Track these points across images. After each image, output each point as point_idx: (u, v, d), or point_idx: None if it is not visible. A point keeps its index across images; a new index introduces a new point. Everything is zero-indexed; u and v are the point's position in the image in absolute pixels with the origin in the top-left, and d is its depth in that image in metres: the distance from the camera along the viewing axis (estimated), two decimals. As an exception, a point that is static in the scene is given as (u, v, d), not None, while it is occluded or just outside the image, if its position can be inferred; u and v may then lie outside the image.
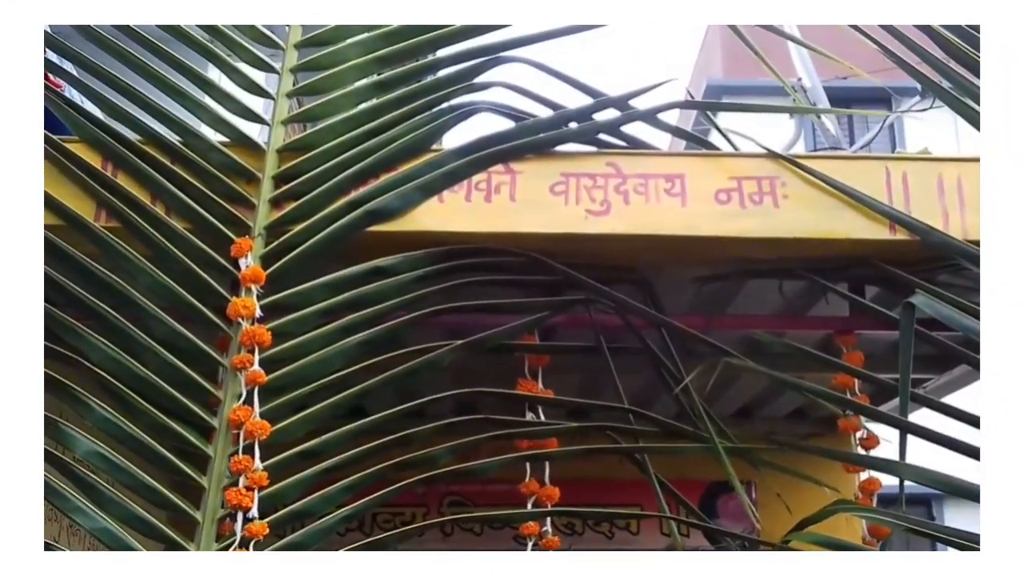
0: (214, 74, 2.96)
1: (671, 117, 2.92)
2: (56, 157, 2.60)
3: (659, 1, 2.83)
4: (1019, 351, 2.04)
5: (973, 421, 2.43)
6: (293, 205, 2.67)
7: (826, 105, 6.11)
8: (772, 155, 2.77)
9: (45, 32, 2.76)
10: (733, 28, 2.99)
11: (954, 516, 12.18)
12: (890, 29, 2.77)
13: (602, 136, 2.84)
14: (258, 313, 2.49)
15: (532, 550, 2.57)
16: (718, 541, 3.00)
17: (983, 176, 2.36)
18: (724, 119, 3.03)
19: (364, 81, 2.87)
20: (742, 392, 4.08)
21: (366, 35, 2.87)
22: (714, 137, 3.24)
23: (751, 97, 13.78)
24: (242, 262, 2.55)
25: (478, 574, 2.28)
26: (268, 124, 2.80)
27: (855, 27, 2.82)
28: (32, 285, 2.06)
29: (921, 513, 11.43)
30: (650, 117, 2.85)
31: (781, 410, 4.32)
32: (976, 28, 2.60)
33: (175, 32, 2.79)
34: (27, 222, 2.09)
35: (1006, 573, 1.88)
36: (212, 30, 2.84)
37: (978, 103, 2.61)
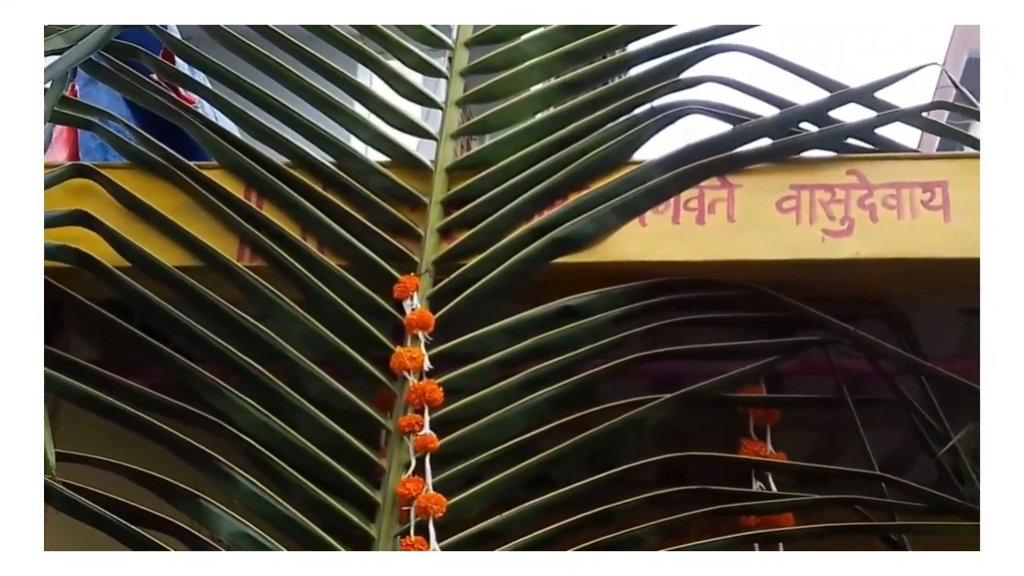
0: (367, 79, 2.97)
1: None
2: (191, 187, 2.64)
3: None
4: (1019, 348, 2.08)
5: None
6: (466, 235, 2.64)
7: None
8: None
9: (172, 39, 2.87)
10: None
11: None
12: None
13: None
14: (427, 365, 2.45)
15: None
16: None
17: (983, 177, 2.30)
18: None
19: (547, 83, 2.86)
20: None
21: (549, 27, 2.85)
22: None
23: None
24: (407, 304, 2.53)
25: (478, 574, 2.27)
26: (435, 139, 2.79)
27: None
28: (32, 285, 2.11)
29: None
30: (916, 117, 2.74)
31: None
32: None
33: (322, 32, 2.83)
34: (26, 229, 2.13)
35: (1006, 573, 1.98)
36: (365, 28, 2.88)
37: None
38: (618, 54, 2.85)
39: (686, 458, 2.57)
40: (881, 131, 2.75)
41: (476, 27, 2.96)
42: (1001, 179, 2.28)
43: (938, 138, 3.01)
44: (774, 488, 2.56)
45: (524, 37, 2.85)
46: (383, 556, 2.32)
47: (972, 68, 15.60)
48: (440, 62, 2.90)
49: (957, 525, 2.50)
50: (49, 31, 2.71)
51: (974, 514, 2.43)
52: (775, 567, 2.34)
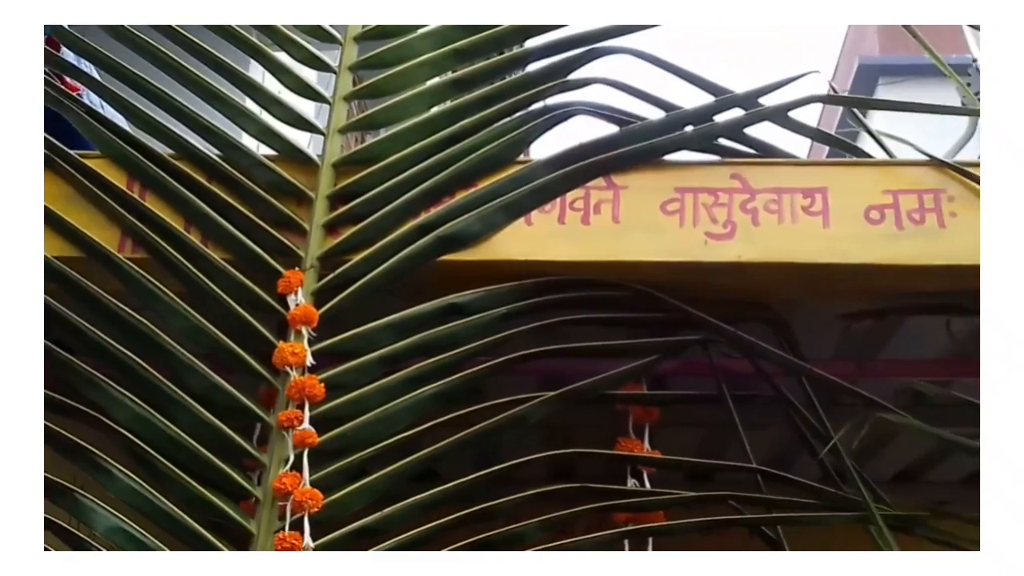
0: (257, 74, 2.98)
1: (810, 118, 2.86)
2: (73, 176, 2.63)
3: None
4: (1019, 349, 2.13)
5: None
6: (352, 230, 2.66)
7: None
8: (937, 163, 2.70)
9: (59, 28, 2.85)
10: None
11: None
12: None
13: (726, 143, 2.81)
14: (310, 361, 2.47)
15: None
16: None
17: (983, 177, 2.40)
18: (880, 117, 2.95)
19: (437, 80, 2.87)
20: (904, 453, 3.96)
21: (439, 25, 2.87)
22: (866, 142, 3.20)
23: (914, 79, 13.40)
24: (291, 300, 2.55)
25: (477, 574, 2.30)
26: (323, 133, 2.80)
27: None
28: (32, 285, 2.19)
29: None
30: (783, 117, 2.80)
31: (955, 473, 4.17)
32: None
33: (211, 26, 2.82)
34: (27, 235, 2.19)
35: (1006, 573, 2.01)
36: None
37: None
38: (507, 53, 2.89)
39: (569, 455, 2.62)
40: (769, 138, 2.82)
41: (365, 24, 2.97)
42: (1001, 179, 2.33)
43: (826, 147, 3.10)
44: (648, 485, 2.62)
45: (414, 34, 2.87)
46: (245, 556, 2.33)
47: (862, 73, 16.03)
48: (330, 57, 2.91)
49: (834, 516, 2.61)
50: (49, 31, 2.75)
51: (852, 506, 2.55)
52: (776, 567, 2.38)
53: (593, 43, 2.82)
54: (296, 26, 2.89)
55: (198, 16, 2.80)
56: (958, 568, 2.22)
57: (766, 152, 2.80)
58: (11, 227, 2.16)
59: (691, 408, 2.90)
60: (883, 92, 15.26)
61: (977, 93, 5.68)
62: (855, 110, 3.23)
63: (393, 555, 2.36)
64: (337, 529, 2.38)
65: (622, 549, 2.58)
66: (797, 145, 2.86)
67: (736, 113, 2.81)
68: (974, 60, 5.82)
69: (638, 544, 2.59)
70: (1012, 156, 2.33)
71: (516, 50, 2.89)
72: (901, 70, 14.44)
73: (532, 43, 2.88)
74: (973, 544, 2.57)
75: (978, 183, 2.62)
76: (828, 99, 2.98)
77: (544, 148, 2.82)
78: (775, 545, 2.62)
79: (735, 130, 2.80)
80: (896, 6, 2.85)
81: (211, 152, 2.72)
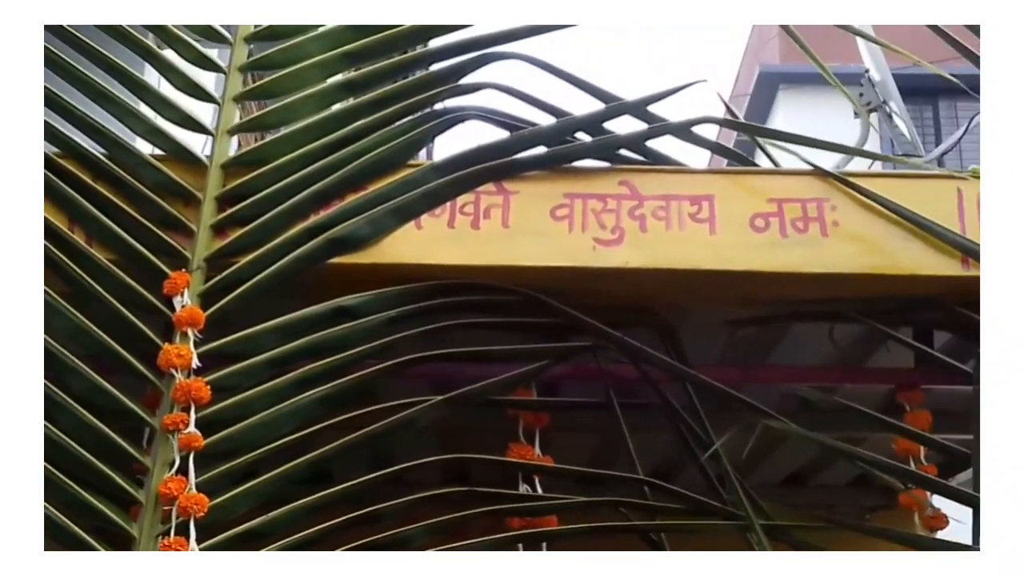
0: (153, 77, 2.96)
1: (701, 127, 2.93)
2: None
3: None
4: (1019, 350, 2.17)
5: None
6: (240, 232, 2.66)
7: (897, 99, 6.03)
8: (820, 173, 2.76)
9: None
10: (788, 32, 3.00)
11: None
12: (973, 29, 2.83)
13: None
14: (195, 363, 2.47)
15: None
16: None
17: (983, 177, 2.46)
18: (781, 121, 3.03)
19: (329, 82, 2.88)
20: (794, 456, 4.06)
21: (332, 26, 2.88)
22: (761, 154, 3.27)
23: (813, 87, 13.56)
24: (176, 301, 2.54)
25: (477, 574, 2.36)
26: (211, 134, 2.79)
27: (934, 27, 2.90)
28: (31, 284, 2.24)
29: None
30: (686, 132, 2.87)
31: (842, 477, 4.29)
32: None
33: (101, 25, 2.80)
34: (27, 228, 2.25)
35: (1006, 573, 2.04)
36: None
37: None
38: (400, 56, 2.90)
39: (463, 460, 2.67)
40: (656, 146, 2.87)
41: (257, 24, 2.96)
42: (1001, 178, 2.37)
43: (713, 156, 3.16)
44: (540, 490, 2.66)
45: (306, 35, 2.88)
46: (128, 556, 2.33)
47: (763, 80, 16.11)
48: (221, 57, 2.90)
49: (711, 524, 2.69)
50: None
51: (731, 515, 2.63)
52: (775, 567, 2.42)
53: (486, 47, 2.84)
54: (186, 26, 2.87)
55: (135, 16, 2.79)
56: (958, 568, 2.25)
57: (655, 160, 2.83)
58: (11, 226, 2.18)
59: (586, 413, 2.95)
60: (783, 99, 15.40)
61: (868, 103, 5.87)
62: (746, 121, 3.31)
63: (274, 555, 2.36)
64: (223, 532, 2.37)
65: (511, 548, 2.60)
66: (684, 154, 2.90)
67: (627, 120, 2.85)
68: (866, 71, 5.95)
69: (532, 548, 2.62)
70: (1012, 156, 2.36)
71: (409, 53, 2.91)
72: (801, 78, 14.56)
73: (422, 48, 2.91)
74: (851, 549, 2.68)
75: (860, 193, 2.70)
76: (724, 123, 3.06)
77: (437, 153, 2.85)
78: (656, 546, 2.68)
79: (638, 142, 2.84)
80: (896, 6, 2.86)
81: (97, 151, 2.69)
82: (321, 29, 2.87)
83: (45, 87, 2.73)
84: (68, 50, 2.78)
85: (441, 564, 2.40)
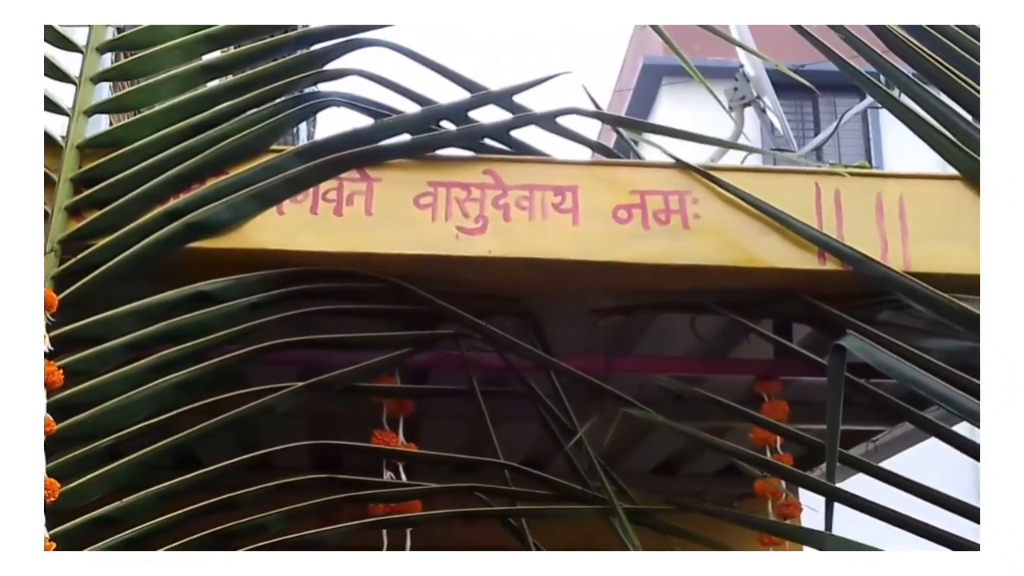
0: None
1: (568, 118, 2.97)
2: None
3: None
4: (1019, 351, 2.19)
5: (907, 487, 2.55)
6: (96, 214, 2.65)
7: (771, 94, 6.20)
8: (682, 166, 2.82)
9: None
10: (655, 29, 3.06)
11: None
12: (838, 28, 2.90)
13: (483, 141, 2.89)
14: (48, 347, 2.43)
15: None
16: None
17: (983, 177, 2.48)
18: (666, 113, 3.09)
19: (191, 64, 2.87)
20: (663, 446, 4.16)
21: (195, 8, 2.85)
22: (643, 147, 3.33)
23: (694, 80, 13.85)
24: None
25: (476, 573, 2.40)
26: (67, 114, 2.77)
27: (797, 27, 2.92)
28: (31, 283, 2.22)
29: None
30: (551, 122, 2.91)
31: (711, 466, 4.41)
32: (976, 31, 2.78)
33: None
34: (27, 224, 2.22)
35: (1006, 573, 2.05)
36: None
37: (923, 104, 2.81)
38: (263, 41, 2.89)
39: (333, 448, 2.73)
40: (528, 139, 2.90)
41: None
42: (1000, 177, 2.39)
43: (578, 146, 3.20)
44: (404, 477, 2.71)
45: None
46: None
47: (646, 72, 16.26)
48: (79, 36, 2.87)
49: (572, 510, 2.77)
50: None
51: (596, 500, 2.70)
52: (774, 567, 2.47)
53: (351, 34, 2.85)
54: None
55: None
56: (958, 568, 2.26)
57: (518, 150, 2.87)
58: (11, 225, 2.17)
59: (454, 401, 2.99)
60: (666, 92, 15.64)
61: (743, 98, 6.05)
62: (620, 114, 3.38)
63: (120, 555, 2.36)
64: (75, 518, 2.37)
65: (380, 540, 2.66)
66: (550, 145, 2.91)
67: (492, 110, 2.88)
68: (741, 66, 6.11)
69: (398, 535, 2.68)
70: (1012, 156, 2.38)
71: (275, 37, 2.91)
72: (683, 71, 14.87)
73: (288, 34, 2.91)
74: (709, 543, 2.77)
75: (721, 186, 2.78)
76: (588, 113, 3.09)
77: (300, 140, 2.88)
78: (517, 532, 2.74)
79: (502, 132, 2.87)
80: (897, 6, 2.84)
81: None
82: (184, 11, 2.84)
83: None
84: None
85: (441, 564, 2.43)
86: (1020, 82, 2.44)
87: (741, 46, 3.17)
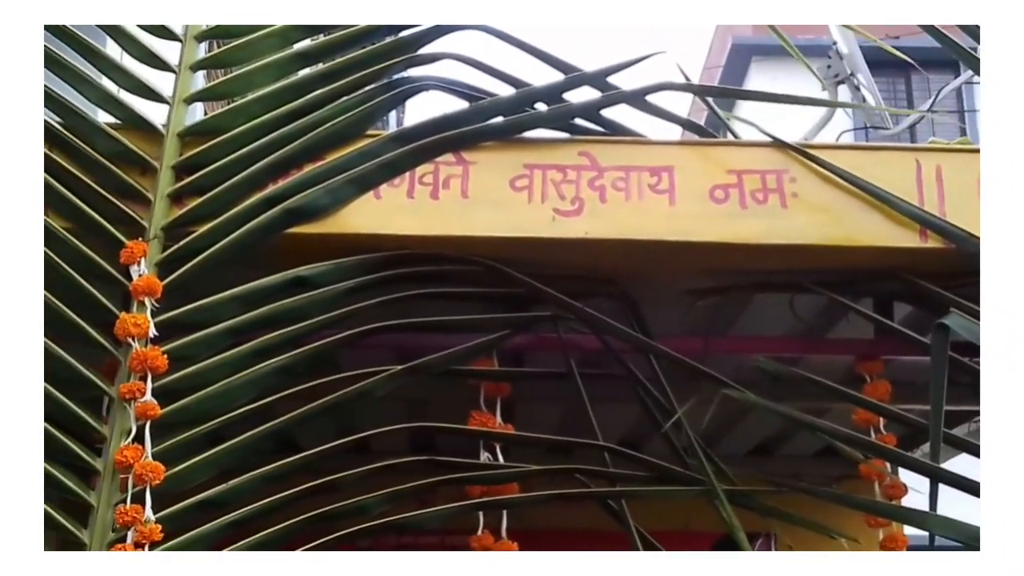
0: (102, 42, 2.97)
1: (660, 98, 2.98)
2: None
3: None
4: (1020, 350, 2.19)
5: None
6: (197, 201, 2.71)
7: (865, 71, 6.13)
8: (778, 144, 2.83)
9: None
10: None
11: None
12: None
13: (575, 121, 2.89)
14: (152, 332, 2.52)
15: None
16: None
17: (983, 176, 2.50)
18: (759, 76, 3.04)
19: (286, 52, 2.92)
20: (759, 428, 4.16)
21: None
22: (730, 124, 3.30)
23: (786, 59, 13.71)
24: (134, 270, 2.59)
25: (477, 574, 2.41)
26: (168, 103, 2.83)
27: None
28: (32, 282, 2.25)
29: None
30: (641, 100, 2.92)
31: (808, 448, 4.39)
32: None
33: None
34: (27, 221, 2.26)
35: (1006, 573, 2.07)
36: None
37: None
38: (357, 27, 2.92)
39: (430, 430, 2.77)
40: (616, 117, 2.90)
41: None
42: (1000, 177, 2.40)
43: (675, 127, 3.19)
44: (501, 459, 2.73)
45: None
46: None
47: (735, 52, 16.19)
48: (178, 27, 2.94)
49: (671, 491, 2.77)
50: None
51: (695, 481, 2.71)
52: (776, 567, 2.50)
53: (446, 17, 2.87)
54: None
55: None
56: (958, 568, 2.29)
57: (614, 131, 2.88)
58: (11, 225, 2.22)
59: (550, 383, 3.00)
60: (755, 71, 15.56)
61: (836, 75, 5.99)
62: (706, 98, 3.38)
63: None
64: (180, 501, 2.44)
65: (476, 521, 2.69)
66: (644, 125, 2.91)
67: (586, 92, 2.90)
68: (834, 43, 6.05)
69: (494, 516, 2.70)
70: (1011, 155, 2.39)
71: (365, 24, 2.94)
72: (773, 50, 14.56)
73: (381, 20, 2.92)
74: (809, 524, 2.77)
75: (819, 164, 2.77)
76: (681, 87, 3.07)
77: (394, 124, 2.91)
78: (617, 517, 2.74)
79: (592, 111, 2.88)
80: (897, 6, 2.89)
81: (52, 119, 2.72)
82: None
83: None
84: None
85: (440, 564, 2.45)
86: (1020, 82, 2.42)
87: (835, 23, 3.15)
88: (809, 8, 2.98)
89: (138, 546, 2.37)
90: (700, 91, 3.21)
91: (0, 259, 2.19)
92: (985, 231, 2.44)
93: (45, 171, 2.65)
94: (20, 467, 2.11)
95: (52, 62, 2.78)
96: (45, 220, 2.59)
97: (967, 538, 2.51)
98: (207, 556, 2.42)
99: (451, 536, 2.72)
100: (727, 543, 4.46)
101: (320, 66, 2.89)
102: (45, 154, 2.67)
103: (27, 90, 2.36)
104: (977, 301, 2.70)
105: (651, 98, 2.96)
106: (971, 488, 2.55)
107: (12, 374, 2.15)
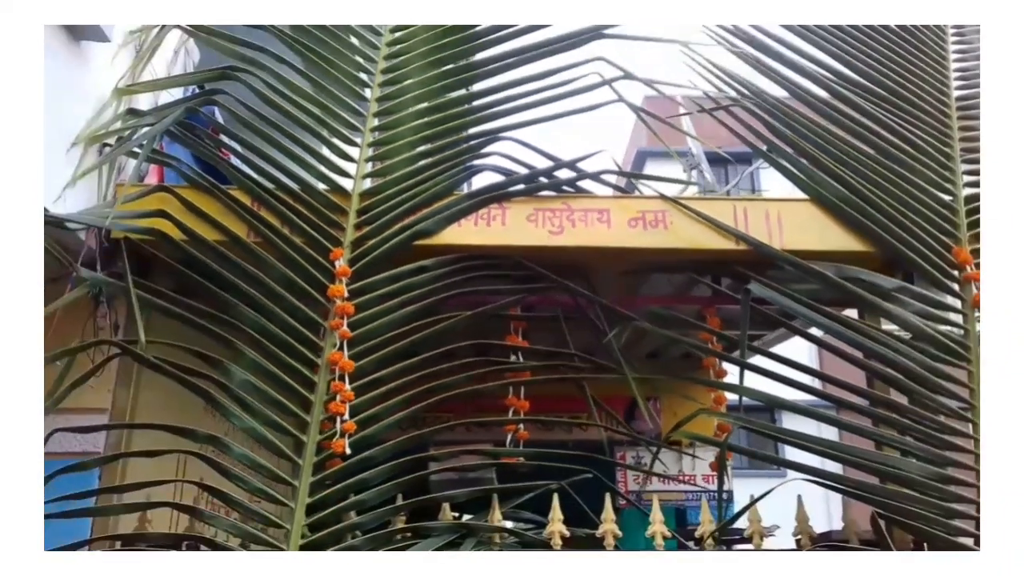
0: (314, 142, 2.91)
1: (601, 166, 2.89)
2: (222, 198, 2.71)
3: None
4: (1018, 350, 1.59)
5: (787, 361, 2.60)
6: (368, 228, 2.76)
7: (706, 164, 6.25)
8: (663, 198, 2.88)
9: (217, 121, 2.71)
10: (638, 112, 2.97)
11: (792, 423, 11.05)
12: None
13: (562, 188, 2.86)
14: (346, 294, 2.59)
15: (510, 443, 2.63)
16: (632, 434, 3.03)
17: (983, 175, 2.03)
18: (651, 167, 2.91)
19: (419, 150, 2.90)
20: (652, 342, 4.03)
21: (419, 120, 2.89)
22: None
23: (667, 160, 13.66)
24: (337, 263, 2.65)
25: (478, 574, 1.90)
26: (352, 177, 2.86)
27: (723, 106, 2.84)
28: (32, 281, 1.55)
29: (765, 418, 9.54)
30: (595, 177, 2.91)
31: (677, 353, 4.23)
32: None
33: (288, 116, 2.80)
34: (27, 220, 1.56)
35: (1005, 572, 1.46)
36: (318, 119, 2.85)
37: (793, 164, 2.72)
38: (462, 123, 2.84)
39: (483, 345, 2.66)
40: (587, 185, 2.80)
41: (380, 99, 2.90)
42: (1001, 176, 1.69)
43: (611, 189, 3.17)
44: (521, 359, 2.64)
45: (402, 126, 2.87)
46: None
47: (639, 157, 15.63)
48: (356, 135, 2.89)
49: (608, 376, 2.63)
50: (132, 113, 2.60)
51: (620, 371, 2.59)
52: (776, 565, 1.84)
53: (495, 134, 2.81)
54: (333, 118, 2.80)
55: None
56: (958, 568, 1.56)
57: (579, 191, 2.86)
58: (11, 223, 1.51)
59: (548, 321, 2.84)
60: (650, 164, 15.29)
61: (692, 165, 6.06)
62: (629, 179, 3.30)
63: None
64: (359, 380, 2.43)
65: (508, 391, 2.64)
66: (594, 187, 2.83)
67: (565, 171, 2.85)
68: (690, 149, 6.19)
69: (517, 390, 2.64)
70: (1012, 155, 1.68)
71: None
72: (659, 154, 14.75)
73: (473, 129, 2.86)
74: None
75: (684, 208, 2.74)
76: (617, 173, 3.04)
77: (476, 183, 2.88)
78: (582, 391, 2.67)
79: (570, 184, 2.83)
80: (899, 6, 2.21)
81: (294, 186, 2.72)
82: (413, 123, 2.81)
83: (266, 151, 2.67)
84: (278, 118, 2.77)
85: (441, 564, 1.93)
86: (1020, 82, 1.75)
87: (692, 136, 3.16)
88: (822, 8, 2.40)
89: (342, 402, 2.37)
90: (624, 175, 3.21)
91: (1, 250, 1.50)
92: (985, 231, 1.92)
93: (293, 213, 2.61)
94: (20, 467, 1.44)
95: (291, 155, 2.75)
96: (292, 237, 2.58)
97: (760, 398, 2.57)
98: (207, 556, 1.94)
99: (491, 400, 2.67)
100: (633, 403, 4.44)
101: (436, 157, 2.83)
102: (291, 204, 2.63)
103: (27, 90, 1.59)
104: (767, 277, 2.71)
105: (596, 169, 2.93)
106: (760, 371, 2.59)
107: (12, 376, 1.46)
